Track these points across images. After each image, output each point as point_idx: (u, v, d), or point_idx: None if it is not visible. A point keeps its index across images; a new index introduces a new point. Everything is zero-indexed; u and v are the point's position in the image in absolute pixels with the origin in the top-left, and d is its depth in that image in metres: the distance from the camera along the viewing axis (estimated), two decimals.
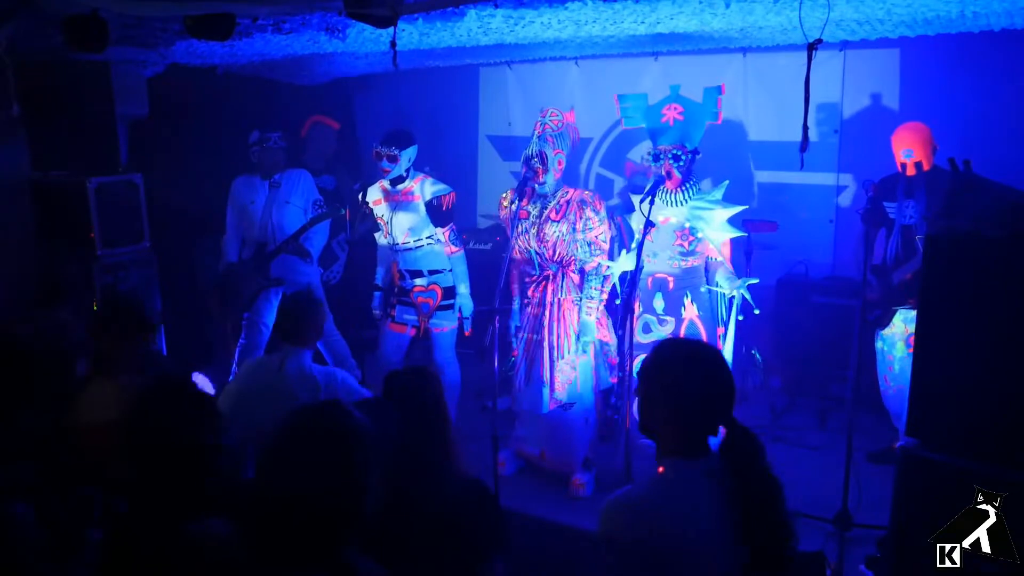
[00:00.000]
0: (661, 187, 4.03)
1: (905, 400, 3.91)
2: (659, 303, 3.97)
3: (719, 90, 3.94)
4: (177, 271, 5.32)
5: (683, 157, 3.84)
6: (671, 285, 3.94)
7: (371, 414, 1.67)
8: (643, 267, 4.11)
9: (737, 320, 3.99)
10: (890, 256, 4.21)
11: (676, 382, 1.84)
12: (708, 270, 3.99)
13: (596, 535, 1.85)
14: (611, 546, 1.80)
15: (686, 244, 3.90)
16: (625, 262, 4.04)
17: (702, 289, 4.03)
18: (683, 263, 3.91)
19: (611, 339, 4.21)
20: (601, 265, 4.06)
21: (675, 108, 3.88)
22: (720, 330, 3.99)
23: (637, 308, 4.01)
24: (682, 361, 1.87)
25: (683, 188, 3.92)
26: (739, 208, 3.97)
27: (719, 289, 3.95)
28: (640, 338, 4.01)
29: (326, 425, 1.58)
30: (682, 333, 3.95)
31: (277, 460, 1.54)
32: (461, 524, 2.20)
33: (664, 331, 3.97)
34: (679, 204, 3.91)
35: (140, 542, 1.82)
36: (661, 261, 3.94)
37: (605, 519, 1.82)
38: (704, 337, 3.95)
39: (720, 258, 3.97)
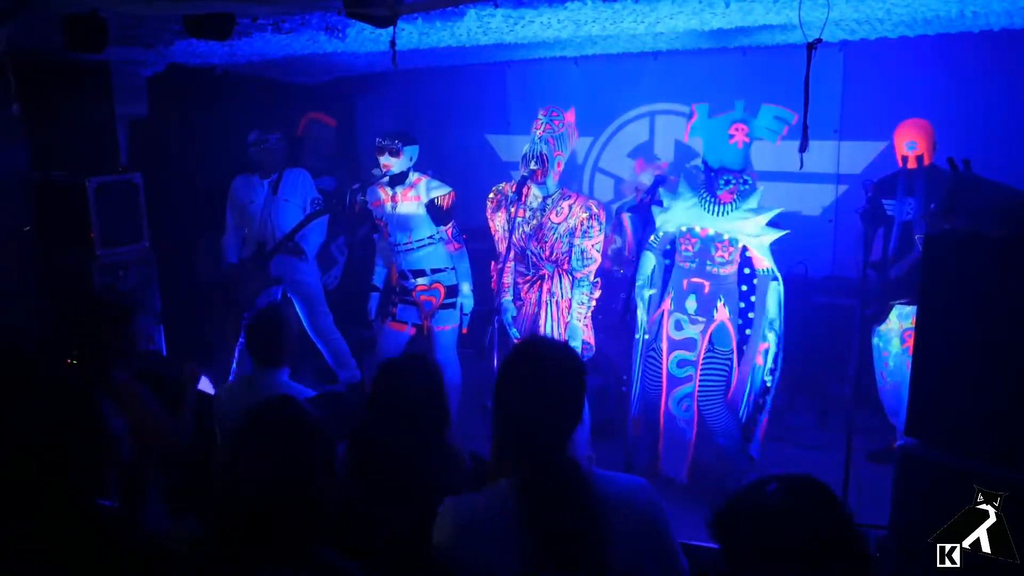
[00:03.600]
0: (661, 188, 4.03)
1: (900, 396, 3.96)
2: (692, 304, 3.97)
3: (788, 119, 3.74)
4: (177, 271, 5.32)
5: (745, 185, 3.83)
6: (707, 289, 3.95)
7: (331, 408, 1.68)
8: (643, 268, 4.14)
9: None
10: (890, 253, 4.22)
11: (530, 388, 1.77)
12: (758, 280, 3.95)
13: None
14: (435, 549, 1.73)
15: (726, 255, 3.90)
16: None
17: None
18: (721, 271, 3.92)
19: (592, 339, 4.22)
20: (591, 273, 4.08)
21: (742, 129, 3.75)
22: (763, 345, 3.97)
23: (668, 305, 4.05)
24: (547, 367, 1.79)
25: (731, 203, 3.88)
26: (775, 211, 3.88)
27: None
28: (673, 335, 4.04)
29: (281, 420, 1.61)
30: (710, 332, 3.96)
31: (237, 458, 1.56)
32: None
33: (695, 330, 3.98)
34: (722, 216, 3.88)
35: (111, 540, 1.82)
36: (699, 268, 3.94)
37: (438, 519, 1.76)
38: (733, 338, 3.97)
39: (767, 264, 3.89)
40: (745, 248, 3.92)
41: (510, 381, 1.80)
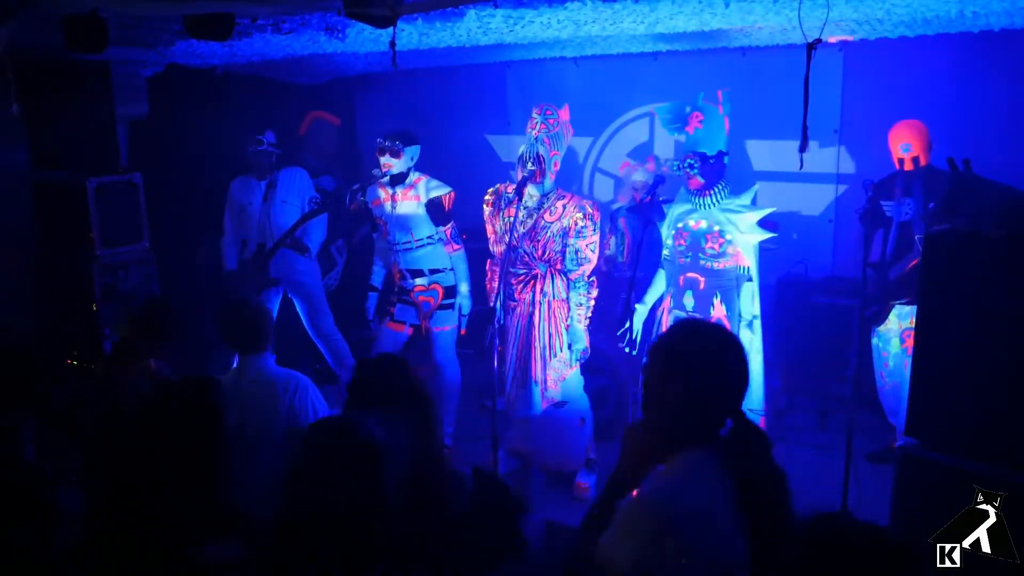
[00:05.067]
0: (662, 186, 4.04)
1: (900, 396, 3.96)
2: (689, 301, 4.00)
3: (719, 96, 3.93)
4: (176, 271, 5.32)
5: (696, 164, 3.84)
6: (702, 285, 3.96)
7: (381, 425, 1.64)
8: (655, 286, 4.18)
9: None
10: (888, 253, 4.22)
11: (701, 362, 1.80)
12: (736, 281, 3.97)
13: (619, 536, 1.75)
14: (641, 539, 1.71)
15: (716, 247, 3.90)
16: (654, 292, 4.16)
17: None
18: (714, 264, 3.92)
19: (588, 341, 4.22)
20: (585, 273, 4.09)
21: (697, 116, 3.88)
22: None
23: (667, 304, 4.07)
24: (708, 341, 1.85)
25: (710, 191, 3.90)
26: (768, 210, 3.92)
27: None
28: None
29: (349, 443, 1.54)
30: None
31: (301, 481, 1.50)
32: (476, 524, 2.07)
33: None
34: (708, 207, 3.91)
35: (152, 563, 1.80)
36: (693, 263, 3.96)
37: (634, 518, 1.75)
38: None
39: (747, 265, 3.92)
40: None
41: (712, 350, 1.84)
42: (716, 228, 3.90)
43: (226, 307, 3.59)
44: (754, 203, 4.00)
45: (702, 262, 3.95)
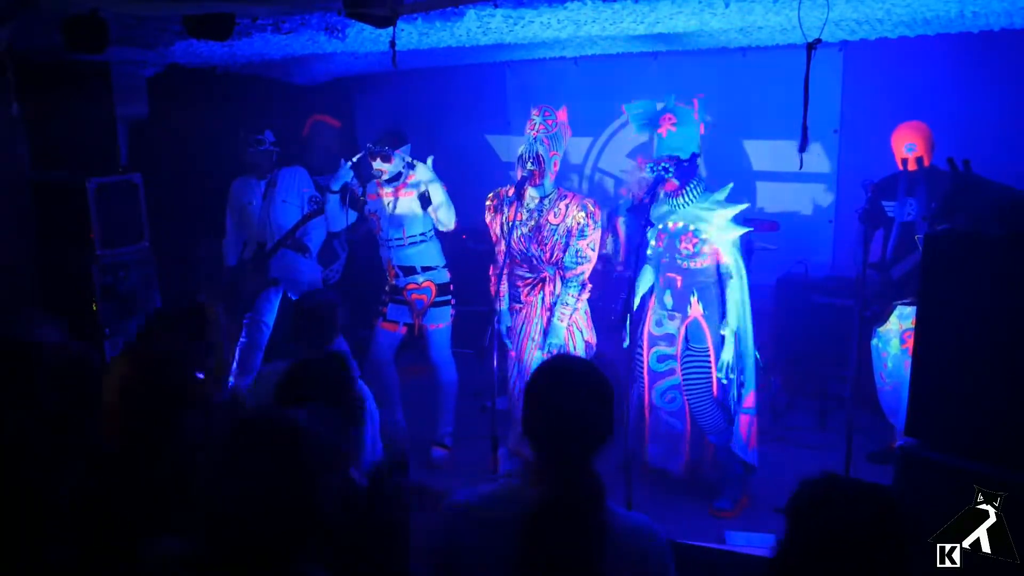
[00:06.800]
0: (661, 187, 4.04)
1: (899, 397, 3.96)
2: (668, 299, 4.03)
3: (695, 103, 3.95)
4: (177, 271, 5.32)
5: (671, 168, 3.85)
6: (679, 283, 3.97)
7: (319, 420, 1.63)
8: (644, 267, 4.14)
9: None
10: (889, 254, 4.22)
11: (537, 400, 1.79)
12: (720, 278, 3.97)
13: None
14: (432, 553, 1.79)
15: (691, 247, 3.92)
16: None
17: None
18: (691, 264, 3.93)
19: (594, 340, 4.22)
20: (585, 274, 4.09)
21: (669, 119, 3.88)
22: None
23: (652, 303, 4.11)
24: (555, 379, 1.80)
25: (684, 192, 3.91)
26: (741, 207, 3.94)
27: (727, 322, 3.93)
28: (654, 331, 4.11)
29: (271, 429, 1.52)
30: (684, 328, 3.99)
31: (222, 468, 1.48)
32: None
33: (673, 326, 4.03)
34: (683, 207, 3.93)
35: (97, 561, 1.81)
36: (671, 263, 3.97)
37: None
38: (708, 336, 3.94)
39: (727, 263, 3.91)
40: None
41: (534, 398, 1.81)
42: (691, 228, 3.92)
43: (302, 297, 3.41)
44: (731, 201, 4.01)
45: (679, 262, 3.97)
